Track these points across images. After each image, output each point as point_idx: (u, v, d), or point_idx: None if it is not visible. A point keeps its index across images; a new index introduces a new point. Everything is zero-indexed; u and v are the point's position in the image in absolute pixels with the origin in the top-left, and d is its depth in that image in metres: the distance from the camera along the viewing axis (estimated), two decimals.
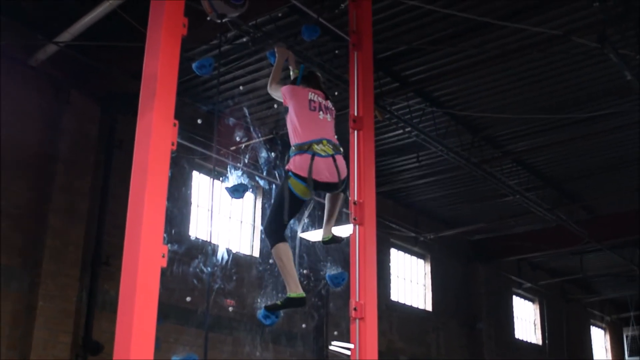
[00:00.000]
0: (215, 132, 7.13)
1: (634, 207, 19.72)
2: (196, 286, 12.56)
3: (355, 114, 6.80)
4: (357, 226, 6.41)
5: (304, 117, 5.96)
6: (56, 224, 11.66)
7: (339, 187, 5.97)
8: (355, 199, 6.49)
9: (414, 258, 21.07)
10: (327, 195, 6.15)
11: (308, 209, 15.15)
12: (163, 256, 4.51)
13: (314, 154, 5.75)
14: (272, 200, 6.23)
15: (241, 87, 13.09)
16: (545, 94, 13.83)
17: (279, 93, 6.24)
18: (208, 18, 6.39)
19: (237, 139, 13.32)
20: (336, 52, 11.85)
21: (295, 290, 5.78)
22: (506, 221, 20.57)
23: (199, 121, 12.31)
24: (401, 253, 20.48)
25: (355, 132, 6.74)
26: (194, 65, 5.96)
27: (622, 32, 11.31)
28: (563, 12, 11.28)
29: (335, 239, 6.22)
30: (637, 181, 17.99)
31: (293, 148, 5.87)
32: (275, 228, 5.89)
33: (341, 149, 6.04)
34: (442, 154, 15.25)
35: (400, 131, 14.73)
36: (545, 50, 12.08)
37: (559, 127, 15.11)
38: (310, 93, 6.13)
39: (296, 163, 5.76)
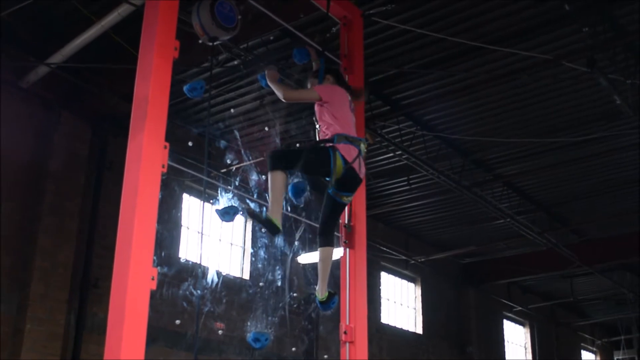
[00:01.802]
0: (206, 155, 7.11)
1: (624, 231, 19.79)
2: (186, 309, 12.48)
3: None
4: (347, 249, 6.41)
5: (346, 116, 6.18)
6: (46, 245, 11.60)
7: (357, 188, 6.23)
8: (346, 222, 6.49)
9: (404, 281, 21.03)
10: (320, 252, 6.27)
11: (299, 232, 15.12)
12: (152, 279, 4.50)
13: (360, 151, 6.04)
14: (301, 146, 6.31)
15: (232, 110, 13.10)
16: (536, 118, 13.88)
17: (301, 95, 6.46)
18: (200, 41, 6.42)
19: (228, 161, 13.31)
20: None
21: (276, 217, 5.78)
22: (497, 244, 20.59)
23: (190, 143, 12.32)
24: (391, 276, 20.44)
25: None
26: (185, 88, 5.97)
27: (611, 57, 11.39)
28: (553, 37, 11.35)
29: (332, 297, 6.26)
30: (627, 205, 18.06)
31: (340, 137, 6.02)
32: (282, 159, 5.99)
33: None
34: (432, 177, 15.27)
35: (391, 154, 14.75)
36: (535, 74, 12.14)
37: (549, 151, 15.16)
38: (348, 94, 6.34)
39: (345, 148, 5.97)
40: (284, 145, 6.11)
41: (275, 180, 5.86)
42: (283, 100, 6.36)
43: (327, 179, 6.03)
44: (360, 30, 7.50)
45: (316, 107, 6.23)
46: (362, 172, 6.08)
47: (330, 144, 5.97)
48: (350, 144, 5.99)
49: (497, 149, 15.13)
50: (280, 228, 5.83)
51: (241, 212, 5.76)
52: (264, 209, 5.90)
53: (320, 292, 6.24)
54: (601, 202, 18.07)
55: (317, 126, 6.28)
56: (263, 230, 5.93)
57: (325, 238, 6.31)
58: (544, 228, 18.71)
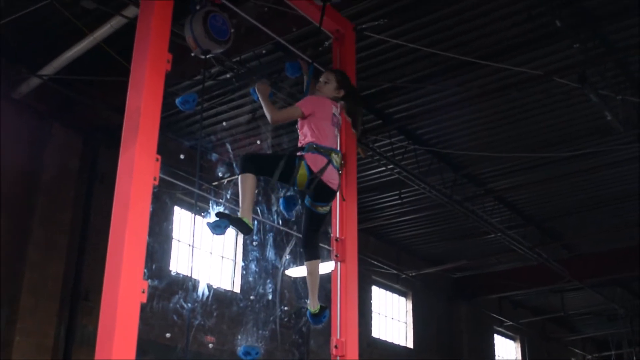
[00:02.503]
0: (197, 168, 7.11)
1: (614, 246, 19.85)
2: (176, 322, 12.45)
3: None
4: (338, 263, 6.40)
5: (326, 128, 6.16)
6: (35, 258, 11.56)
7: (332, 199, 6.20)
8: (337, 235, 6.48)
9: (395, 295, 21.01)
10: (307, 265, 6.27)
11: (290, 246, 15.10)
12: (143, 292, 4.48)
13: (330, 161, 6.00)
14: (273, 153, 6.35)
15: (224, 123, 13.11)
16: (527, 133, 13.93)
17: (286, 114, 6.35)
18: (192, 54, 6.41)
19: (220, 174, 13.31)
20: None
21: (247, 217, 5.76)
22: (488, 259, 20.62)
23: (182, 156, 12.32)
24: (382, 290, 20.42)
25: None
26: (177, 101, 5.96)
27: (602, 73, 11.45)
28: (544, 52, 11.42)
29: (323, 310, 6.27)
30: (618, 220, 18.13)
31: (310, 146, 6.03)
32: (253, 163, 5.95)
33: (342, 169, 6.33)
34: (424, 192, 15.29)
35: (383, 168, 14.77)
36: (526, 89, 12.19)
37: (540, 166, 15.22)
38: (333, 107, 6.30)
39: (313, 157, 5.97)
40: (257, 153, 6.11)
41: (246, 183, 5.85)
42: (270, 123, 6.37)
43: (295, 187, 6.02)
44: (352, 45, 7.51)
45: (300, 122, 6.25)
46: (333, 182, 6.04)
47: (300, 154, 5.99)
48: (319, 154, 5.98)
49: (488, 163, 15.17)
50: (252, 227, 5.83)
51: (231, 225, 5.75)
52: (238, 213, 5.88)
53: (312, 305, 6.23)
54: (592, 217, 18.13)
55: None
56: (240, 233, 5.94)
57: (309, 251, 6.30)
58: (535, 243, 18.75)
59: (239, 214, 5.77)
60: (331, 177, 6.01)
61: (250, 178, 5.87)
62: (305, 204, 6.20)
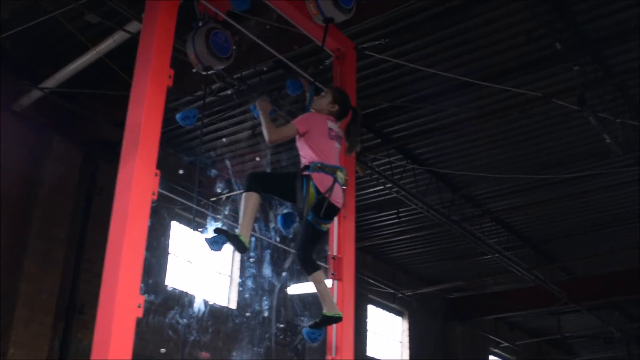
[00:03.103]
0: (196, 183, 7.14)
1: (612, 269, 19.85)
2: (171, 338, 12.42)
3: None
4: (335, 281, 6.40)
5: (324, 144, 6.13)
6: (31, 270, 11.52)
7: (335, 216, 6.23)
8: (335, 254, 6.49)
9: (391, 314, 20.97)
10: (313, 277, 6.20)
11: (287, 263, 15.09)
12: (139, 306, 4.48)
13: (335, 179, 5.99)
14: (277, 173, 6.31)
15: (224, 139, 13.13)
16: (526, 154, 13.95)
17: (283, 133, 6.27)
18: (194, 70, 6.44)
19: (218, 190, 13.32)
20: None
21: (245, 235, 5.75)
22: (484, 280, 20.59)
23: (181, 171, 12.35)
24: (379, 309, 20.38)
25: None
26: (177, 116, 5.99)
27: (601, 96, 11.49)
28: (544, 74, 11.45)
29: (338, 319, 6.21)
30: (616, 243, 18.13)
31: (315, 165, 6.02)
32: (258, 182, 5.95)
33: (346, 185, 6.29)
34: (422, 211, 15.29)
35: (381, 187, 14.78)
36: (525, 111, 12.23)
37: (538, 188, 15.24)
38: (328, 121, 6.26)
39: (319, 177, 5.95)
40: (266, 173, 6.12)
41: (249, 201, 5.85)
42: (267, 142, 6.32)
43: (302, 207, 5.97)
44: (353, 63, 7.55)
45: (297, 141, 6.23)
46: (339, 200, 6.05)
47: (306, 173, 5.97)
48: (325, 173, 5.97)
49: (486, 184, 15.18)
50: (248, 247, 5.82)
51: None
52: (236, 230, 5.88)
53: (329, 309, 6.16)
54: (589, 240, 18.14)
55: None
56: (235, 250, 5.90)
57: (310, 265, 6.26)
58: (532, 264, 18.73)
59: (237, 231, 5.77)
60: (337, 196, 6.02)
61: (254, 197, 5.87)
62: (307, 220, 6.16)
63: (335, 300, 6.27)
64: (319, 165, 6.00)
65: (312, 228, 6.18)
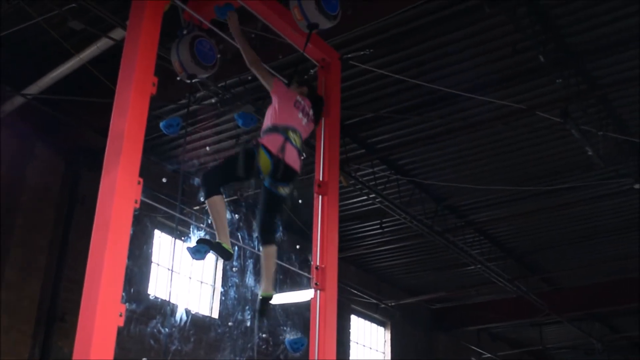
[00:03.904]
0: (179, 192, 7.12)
1: (593, 281, 19.96)
2: (153, 347, 12.34)
3: (321, 179, 6.83)
4: (318, 291, 6.39)
5: (286, 109, 6.15)
6: (12, 278, 11.43)
7: (293, 180, 6.08)
8: (318, 263, 6.48)
9: (374, 325, 20.95)
10: (263, 250, 6.16)
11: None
12: (120, 315, 4.45)
13: (287, 138, 5.94)
14: (224, 159, 6.27)
15: (208, 148, 13.10)
16: (509, 166, 14.00)
17: (263, 70, 6.35)
18: (178, 78, 6.44)
19: (201, 199, 13.27)
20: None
21: (226, 241, 5.74)
22: (467, 290, 20.64)
23: (164, 180, 12.30)
24: (361, 319, 20.36)
25: (320, 197, 6.77)
26: (161, 124, 5.97)
27: (584, 109, 11.56)
28: (527, 87, 11.52)
29: (268, 301, 6.21)
30: (597, 255, 18.23)
31: (267, 128, 6.02)
32: (214, 180, 5.92)
33: (304, 154, 6.26)
34: (405, 222, 15.31)
35: (365, 197, 14.78)
36: (509, 123, 12.28)
37: (521, 199, 15.30)
38: (298, 96, 6.32)
39: (269, 139, 5.92)
40: (212, 167, 6.09)
41: (214, 206, 5.81)
42: (246, 61, 6.33)
43: (260, 176, 5.95)
44: (337, 73, 7.57)
45: (267, 109, 6.26)
46: (293, 161, 5.97)
47: (255, 141, 5.96)
48: (275, 133, 5.95)
49: (470, 195, 15.23)
50: (232, 252, 5.79)
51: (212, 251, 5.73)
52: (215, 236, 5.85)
53: (265, 288, 6.13)
54: (572, 251, 18.22)
55: None
56: (219, 258, 5.87)
57: (267, 236, 6.19)
58: (515, 275, 18.79)
59: (217, 239, 5.75)
60: (291, 158, 5.95)
61: (216, 201, 5.82)
62: (264, 186, 6.10)
63: (318, 310, 6.25)
64: (270, 126, 6.01)
65: (269, 195, 6.10)
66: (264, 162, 5.82)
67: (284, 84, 6.39)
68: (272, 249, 6.18)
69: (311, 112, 6.37)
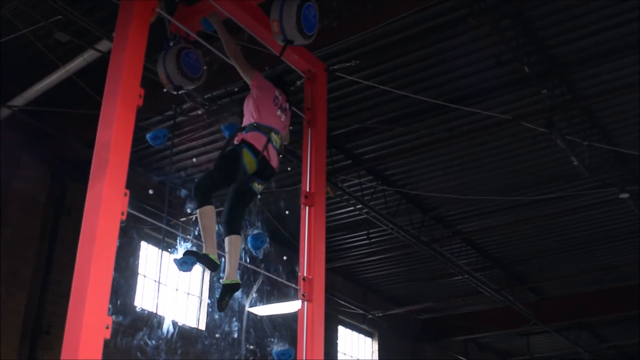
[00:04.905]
0: (166, 203, 7.10)
1: (580, 290, 20.01)
2: (140, 359, 12.28)
3: (307, 190, 6.84)
4: (305, 302, 6.38)
5: (266, 106, 6.27)
6: None
7: (270, 178, 6.29)
8: (305, 275, 6.47)
9: (361, 335, 20.93)
10: (228, 239, 6.14)
11: (257, 284, 15.03)
12: (107, 327, 4.43)
13: (269, 139, 6.11)
14: (213, 165, 6.30)
15: (194, 159, 13.09)
16: (495, 176, 14.05)
17: (243, 63, 6.40)
18: (164, 90, 6.44)
19: (188, 210, 13.25)
20: (290, 128, 11.93)
21: (213, 252, 5.75)
22: (454, 301, 20.64)
23: (151, 191, 12.28)
24: (349, 330, 20.33)
25: (307, 208, 6.77)
26: (148, 136, 5.97)
27: (569, 119, 11.63)
28: (513, 97, 11.58)
29: (236, 286, 6.14)
30: (583, 264, 18.30)
31: (250, 125, 6.13)
32: (206, 189, 5.95)
33: (281, 154, 6.46)
34: (392, 232, 15.33)
35: (352, 208, 14.80)
36: (495, 133, 12.33)
37: (507, 209, 15.35)
38: (277, 91, 6.43)
39: (253, 137, 6.05)
40: (203, 176, 6.13)
41: (205, 217, 5.83)
42: (227, 52, 6.38)
43: (247, 174, 6.02)
44: (323, 85, 7.59)
45: (246, 99, 6.36)
46: (273, 161, 6.15)
47: (237, 140, 6.07)
48: (259, 132, 6.09)
49: (456, 205, 15.27)
50: (219, 263, 5.79)
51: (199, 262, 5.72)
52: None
53: (229, 276, 6.07)
54: (558, 261, 18.27)
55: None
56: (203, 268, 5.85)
57: (234, 225, 6.20)
58: (502, 285, 18.85)
59: (204, 250, 5.76)
60: (273, 157, 6.14)
61: (207, 211, 5.85)
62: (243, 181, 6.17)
63: (305, 321, 6.24)
64: (254, 124, 6.12)
65: (243, 187, 6.19)
66: (248, 160, 5.96)
67: (263, 77, 6.49)
68: (237, 238, 6.20)
69: (287, 106, 6.56)
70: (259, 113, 6.18)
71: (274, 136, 6.17)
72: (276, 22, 6.27)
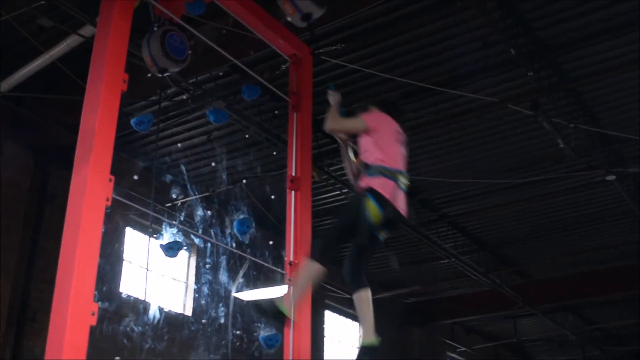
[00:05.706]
0: (152, 189, 7.07)
1: (566, 273, 20.10)
2: (126, 346, 12.24)
3: (293, 174, 6.82)
4: (291, 287, 6.37)
5: (392, 146, 5.82)
6: None
7: (398, 226, 5.86)
8: (291, 259, 6.46)
9: (348, 320, 20.96)
10: (357, 295, 5.94)
11: (243, 269, 15.00)
12: (93, 314, 4.40)
13: (397, 183, 5.65)
14: (334, 221, 5.99)
15: (179, 144, 13.03)
16: (481, 159, 14.06)
17: (349, 124, 6.17)
18: (149, 74, 6.38)
19: (174, 196, 13.21)
20: (276, 112, 11.91)
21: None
22: (441, 284, 20.70)
23: (136, 177, 12.21)
24: (335, 315, 20.36)
25: (293, 192, 6.75)
26: (132, 121, 5.93)
27: (555, 102, 11.64)
28: (499, 80, 11.57)
29: (374, 349, 5.89)
30: (569, 247, 18.37)
31: (376, 169, 5.68)
32: (331, 249, 5.81)
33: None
34: None
35: (338, 192, 14.79)
36: (481, 116, 12.33)
37: (494, 192, 15.36)
38: (397, 125, 6.02)
39: (381, 183, 5.57)
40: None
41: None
42: (326, 129, 6.21)
43: (373, 226, 5.58)
44: (309, 69, 7.55)
45: (361, 140, 5.93)
46: (402, 207, 5.67)
47: (363, 185, 5.64)
48: (386, 178, 5.60)
49: (442, 189, 15.27)
50: (287, 314, 5.74)
51: (185, 248, 5.70)
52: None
53: (365, 336, 5.90)
54: (544, 244, 18.33)
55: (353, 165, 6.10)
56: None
57: (359, 280, 5.91)
58: (488, 269, 18.89)
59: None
60: (400, 202, 5.67)
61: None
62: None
63: (292, 305, 6.21)
64: (378, 168, 5.65)
65: (369, 238, 5.71)
66: (374, 211, 5.49)
67: (373, 113, 6.10)
68: (367, 293, 5.90)
69: (405, 137, 6.07)
70: (383, 152, 5.72)
71: (401, 178, 5.69)
72: (286, 3, 6.19)
